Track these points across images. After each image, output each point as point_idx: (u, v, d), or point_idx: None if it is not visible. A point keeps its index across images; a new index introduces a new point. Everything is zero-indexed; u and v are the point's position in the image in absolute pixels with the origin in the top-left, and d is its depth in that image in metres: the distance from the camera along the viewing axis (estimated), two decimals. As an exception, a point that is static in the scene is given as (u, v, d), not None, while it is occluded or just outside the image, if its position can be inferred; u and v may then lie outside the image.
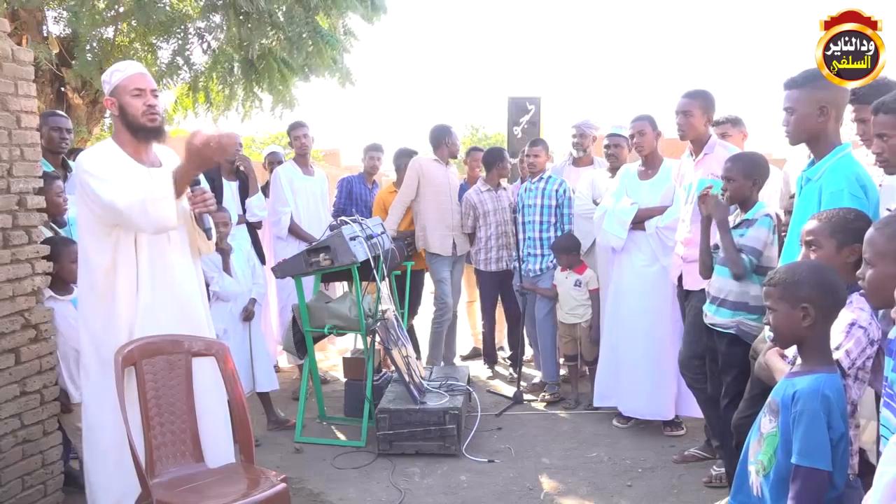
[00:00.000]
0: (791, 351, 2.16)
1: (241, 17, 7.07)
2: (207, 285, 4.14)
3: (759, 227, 3.11)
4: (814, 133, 2.64)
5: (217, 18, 7.56)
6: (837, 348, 2.03)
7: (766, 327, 2.52)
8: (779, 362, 2.26)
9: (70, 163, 4.31)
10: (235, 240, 4.58)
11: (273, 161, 6.04)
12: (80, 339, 2.90)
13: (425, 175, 5.35)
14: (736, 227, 3.19)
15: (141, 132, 2.83)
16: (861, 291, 2.11)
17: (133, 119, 2.80)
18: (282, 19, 7.34)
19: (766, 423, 1.99)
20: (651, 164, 4.32)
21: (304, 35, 7.27)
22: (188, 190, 2.85)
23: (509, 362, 5.66)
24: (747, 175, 3.14)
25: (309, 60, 7.58)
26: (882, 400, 1.78)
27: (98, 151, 2.84)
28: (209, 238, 2.98)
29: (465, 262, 5.65)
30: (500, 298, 5.63)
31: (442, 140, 5.43)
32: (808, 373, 1.91)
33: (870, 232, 1.81)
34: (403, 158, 5.70)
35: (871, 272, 1.77)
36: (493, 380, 5.56)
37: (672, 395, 4.28)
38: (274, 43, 7.59)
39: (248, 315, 4.42)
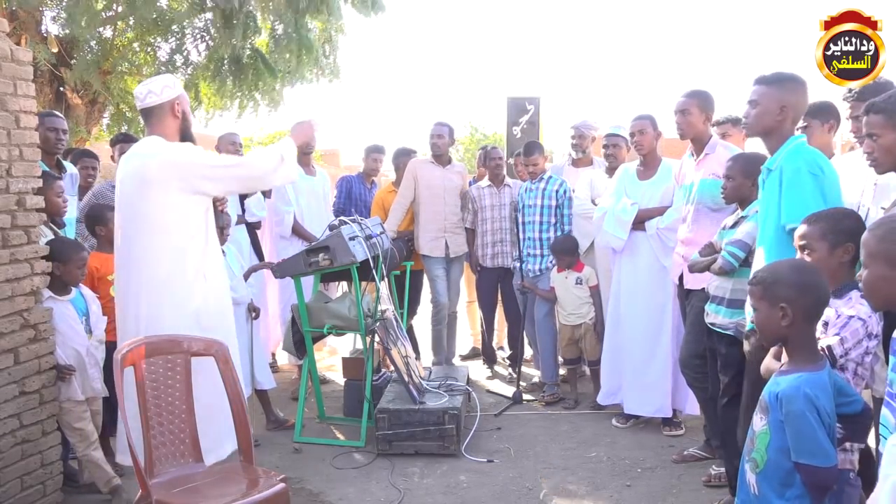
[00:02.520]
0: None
1: (224, 17, 7.07)
2: None
3: (749, 222, 3.12)
4: (769, 129, 2.76)
5: (207, 18, 7.57)
6: (836, 335, 2.05)
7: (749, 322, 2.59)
8: (774, 363, 2.28)
9: (65, 164, 4.30)
10: (234, 240, 4.57)
11: None
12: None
13: (420, 177, 5.37)
14: (733, 225, 3.20)
15: (190, 138, 3.33)
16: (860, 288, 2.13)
17: (190, 125, 3.33)
18: (270, 19, 7.33)
19: (757, 421, 2.03)
20: (650, 163, 4.32)
21: (291, 37, 7.27)
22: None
23: (508, 362, 5.66)
24: (747, 174, 3.15)
25: (290, 66, 7.59)
26: (883, 399, 1.79)
27: (177, 144, 3.23)
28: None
29: (464, 261, 5.64)
30: (500, 298, 5.63)
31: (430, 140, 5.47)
32: (791, 372, 1.95)
33: (865, 234, 1.85)
34: (402, 158, 5.71)
35: (866, 273, 1.80)
36: (492, 380, 5.55)
37: (669, 392, 4.29)
38: (254, 43, 7.59)
39: (257, 314, 4.46)
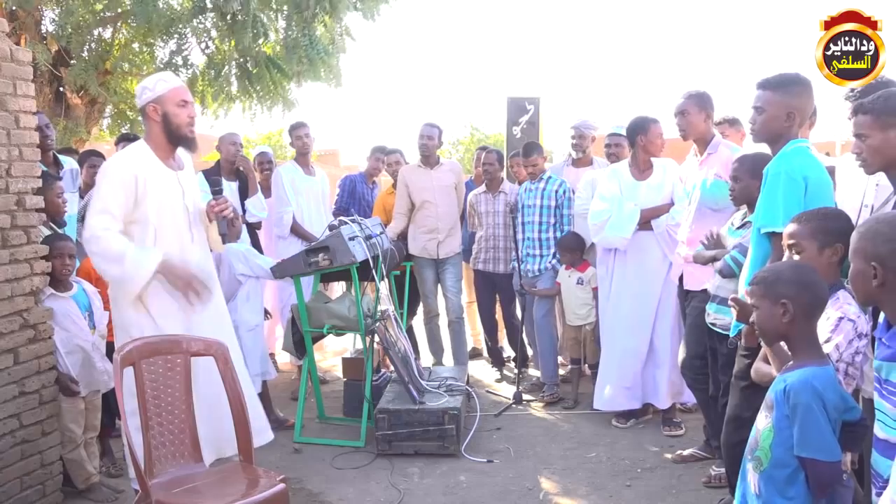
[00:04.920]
0: None
1: (228, 21, 7.04)
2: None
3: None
4: (777, 135, 2.73)
5: (209, 21, 7.54)
6: (827, 341, 2.08)
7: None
8: (766, 366, 2.29)
9: (63, 159, 4.29)
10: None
11: (263, 161, 6.01)
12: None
13: (409, 182, 5.37)
14: (741, 226, 3.19)
15: (182, 141, 3.11)
16: (847, 289, 2.15)
17: (176, 128, 3.06)
18: (280, 23, 7.32)
19: (761, 419, 2.04)
20: (643, 164, 4.31)
21: (301, 44, 7.24)
22: (210, 198, 3.21)
23: (513, 364, 5.67)
24: (754, 175, 3.10)
25: (302, 69, 7.56)
26: (874, 385, 1.82)
27: (126, 162, 3.01)
28: (224, 242, 3.28)
29: (460, 262, 5.64)
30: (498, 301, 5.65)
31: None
32: (797, 368, 1.96)
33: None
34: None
35: (850, 270, 1.83)
36: (500, 382, 5.54)
37: (666, 385, 4.32)
38: (261, 48, 7.55)
39: (269, 317, 4.64)
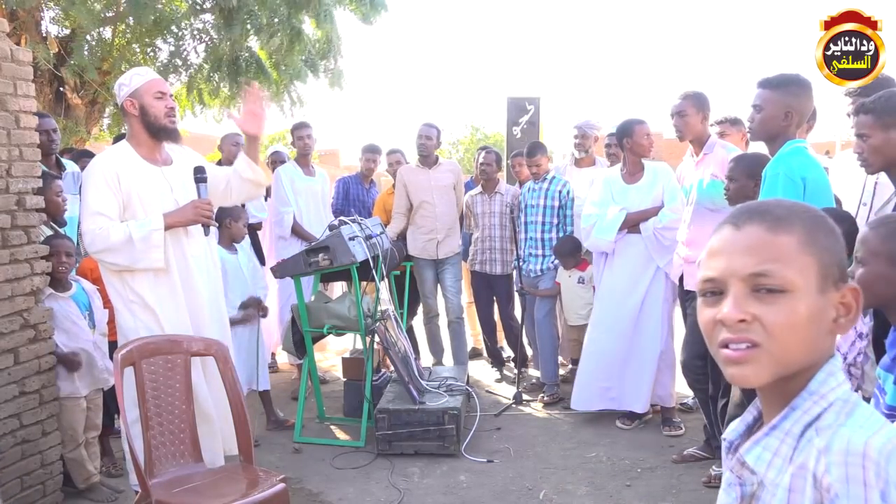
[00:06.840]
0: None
1: (224, 17, 7.01)
2: None
3: None
4: (775, 134, 2.75)
5: (207, 18, 7.52)
6: None
7: None
8: None
9: (65, 162, 4.30)
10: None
11: (276, 160, 6.03)
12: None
13: (408, 182, 5.34)
14: None
15: (162, 132, 3.05)
16: None
17: (155, 120, 3.01)
18: (268, 15, 7.28)
19: None
20: (635, 166, 4.31)
21: (284, 29, 7.18)
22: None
23: (513, 364, 5.67)
24: (750, 175, 3.11)
25: (282, 57, 7.47)
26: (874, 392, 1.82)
27: (106, 162, 2.99)
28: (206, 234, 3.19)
29: (459, 262, 5.64)
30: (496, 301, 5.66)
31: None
32: None
33: (864, 231, 1.85)
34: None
35: (862, 271, 1.80)
36: (500, 382, 5.54)
37: (650, 389, 4.30)
38: (250, 41, 7.52)
39: (265, 313, 4.50)
